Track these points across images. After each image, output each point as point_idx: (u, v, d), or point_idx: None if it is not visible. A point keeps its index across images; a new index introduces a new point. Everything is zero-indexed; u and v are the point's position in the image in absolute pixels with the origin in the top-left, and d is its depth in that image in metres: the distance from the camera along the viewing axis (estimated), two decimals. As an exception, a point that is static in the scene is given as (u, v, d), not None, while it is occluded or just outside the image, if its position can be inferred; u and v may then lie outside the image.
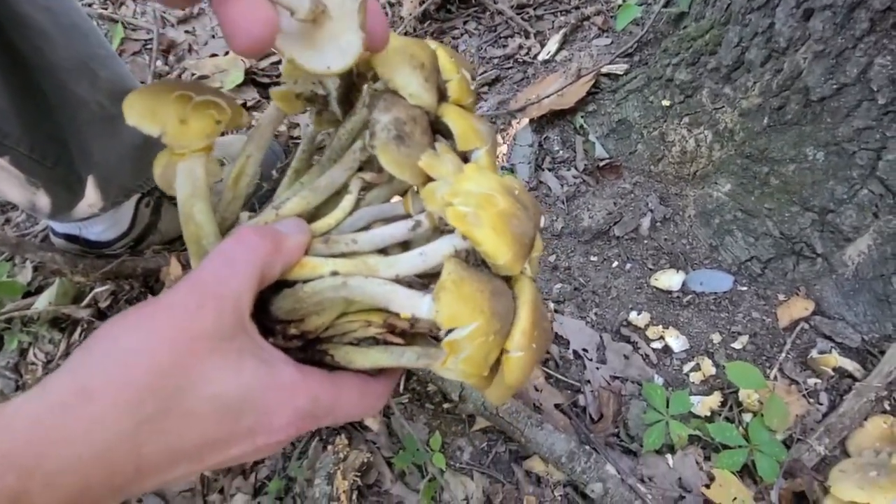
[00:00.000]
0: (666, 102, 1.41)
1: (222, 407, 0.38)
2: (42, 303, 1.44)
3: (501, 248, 0.43)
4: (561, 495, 1.19)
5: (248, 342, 0.41)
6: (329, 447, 1.25)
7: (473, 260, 0.48)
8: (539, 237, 0.55)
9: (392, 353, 0.50)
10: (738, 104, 1.27)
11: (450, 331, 0.42)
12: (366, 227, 0.53)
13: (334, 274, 0.46)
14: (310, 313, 0.48)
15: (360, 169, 0.54)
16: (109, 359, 0.36)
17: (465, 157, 0.53)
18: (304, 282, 0.47)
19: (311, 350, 0.50)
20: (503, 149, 1.61)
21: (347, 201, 0.52)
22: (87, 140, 1.11)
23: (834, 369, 1.17)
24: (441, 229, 0.50)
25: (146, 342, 0.36)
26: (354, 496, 1.22)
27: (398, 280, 0.47)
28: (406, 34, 1.89)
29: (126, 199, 1.30)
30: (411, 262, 0.47)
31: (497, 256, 0.43)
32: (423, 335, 0.52)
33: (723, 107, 1.31)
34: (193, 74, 1.84)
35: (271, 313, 0.47)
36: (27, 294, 1.49)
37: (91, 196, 1.20)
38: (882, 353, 1.15)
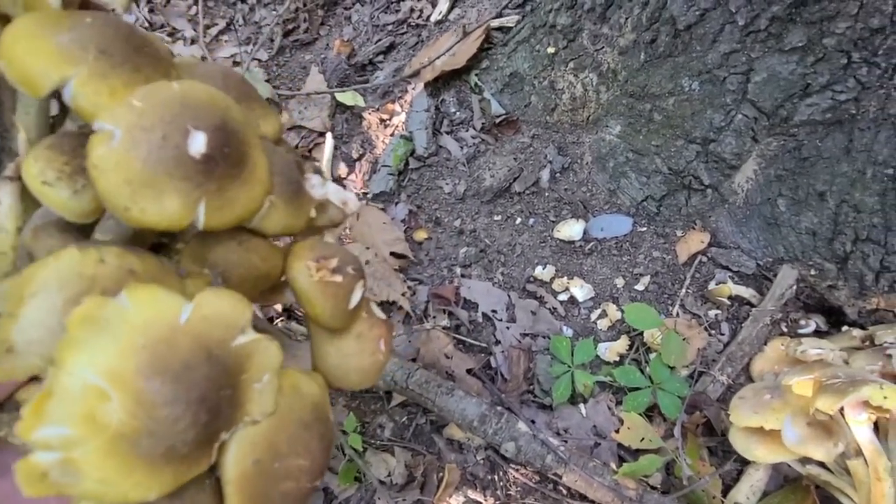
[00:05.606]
0: (551, 50, 1.38)
1: None
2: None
3: (131, 494, 0.30)
4: (483, 458, 1.19)
5: None
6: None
7: None
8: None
9: None
10: (616, 43, 1.24)
11: None
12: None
13: None
14: None
15: None
16: None
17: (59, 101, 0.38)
18: None
19: None
20: (401, 117, 1.57)
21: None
22: None
23: (730, 298, 1.17)
24: None
25: None
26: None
27: None
28: (297, 10, 1.83)
29: None
30: None
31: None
32: None
33: (603, 47, 1.28)
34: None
35: None
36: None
37: None
38: (776, 276, 1.14)
